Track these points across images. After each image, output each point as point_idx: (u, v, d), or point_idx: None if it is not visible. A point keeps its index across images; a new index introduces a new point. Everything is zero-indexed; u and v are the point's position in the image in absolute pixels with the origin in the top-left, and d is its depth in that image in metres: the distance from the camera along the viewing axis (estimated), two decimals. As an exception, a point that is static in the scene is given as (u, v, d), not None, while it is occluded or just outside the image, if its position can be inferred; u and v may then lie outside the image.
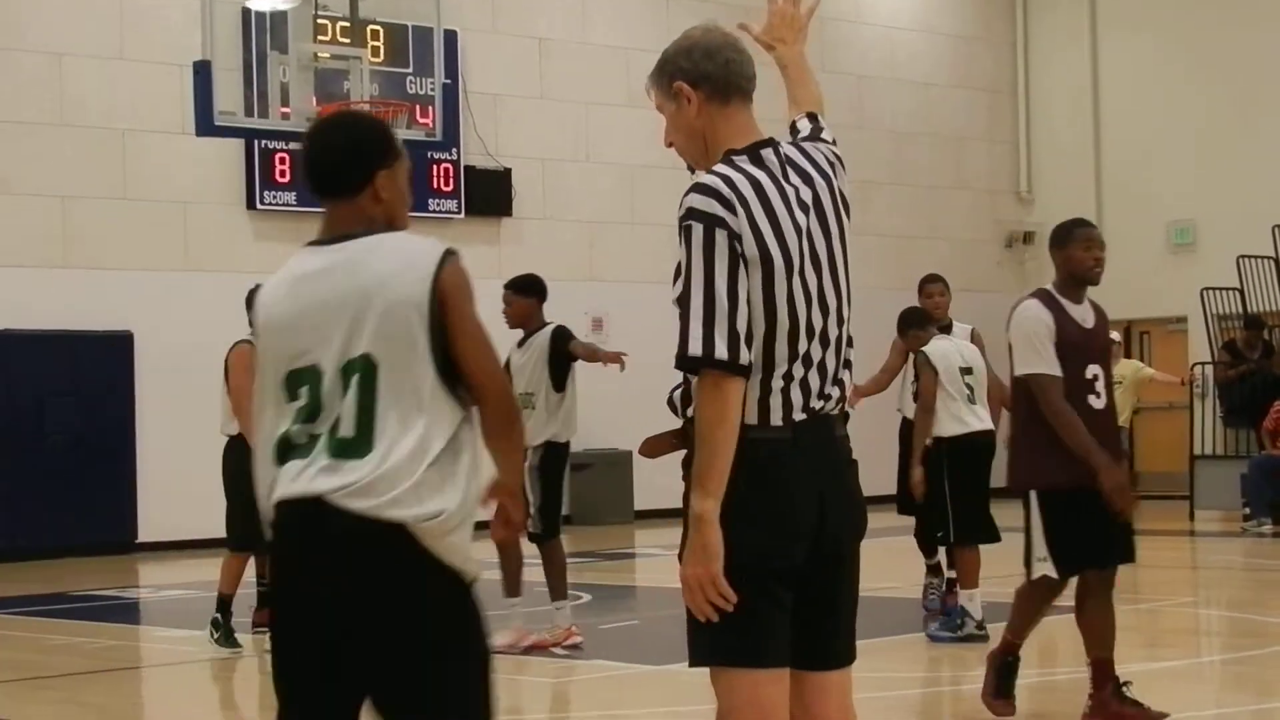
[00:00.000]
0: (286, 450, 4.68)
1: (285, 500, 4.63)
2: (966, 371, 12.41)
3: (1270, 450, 22.05)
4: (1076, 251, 9.01)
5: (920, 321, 12.94)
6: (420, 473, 4.53)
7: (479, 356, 4.69)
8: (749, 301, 4.76)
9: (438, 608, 4.58)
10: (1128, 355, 25.02)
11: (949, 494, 12.36)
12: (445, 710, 4.63)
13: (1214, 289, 25.29)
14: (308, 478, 4.58)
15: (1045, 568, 8.58)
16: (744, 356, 4.72)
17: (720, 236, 4.76)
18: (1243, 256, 24.94)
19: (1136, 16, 29.08)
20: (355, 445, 4.57)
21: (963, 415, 12.37)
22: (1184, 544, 21.33)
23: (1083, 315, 8.92)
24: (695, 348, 4.72)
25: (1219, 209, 27.07)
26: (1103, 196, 29.22)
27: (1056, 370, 8.58)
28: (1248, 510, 22.02)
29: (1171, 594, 15.72)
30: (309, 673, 4.66)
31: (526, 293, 12.41)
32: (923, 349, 12.55)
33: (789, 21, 5.53)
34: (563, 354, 12.25)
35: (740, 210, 4.79)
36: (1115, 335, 24.81)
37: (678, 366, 4.79)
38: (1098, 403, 8.66)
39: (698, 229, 4.77)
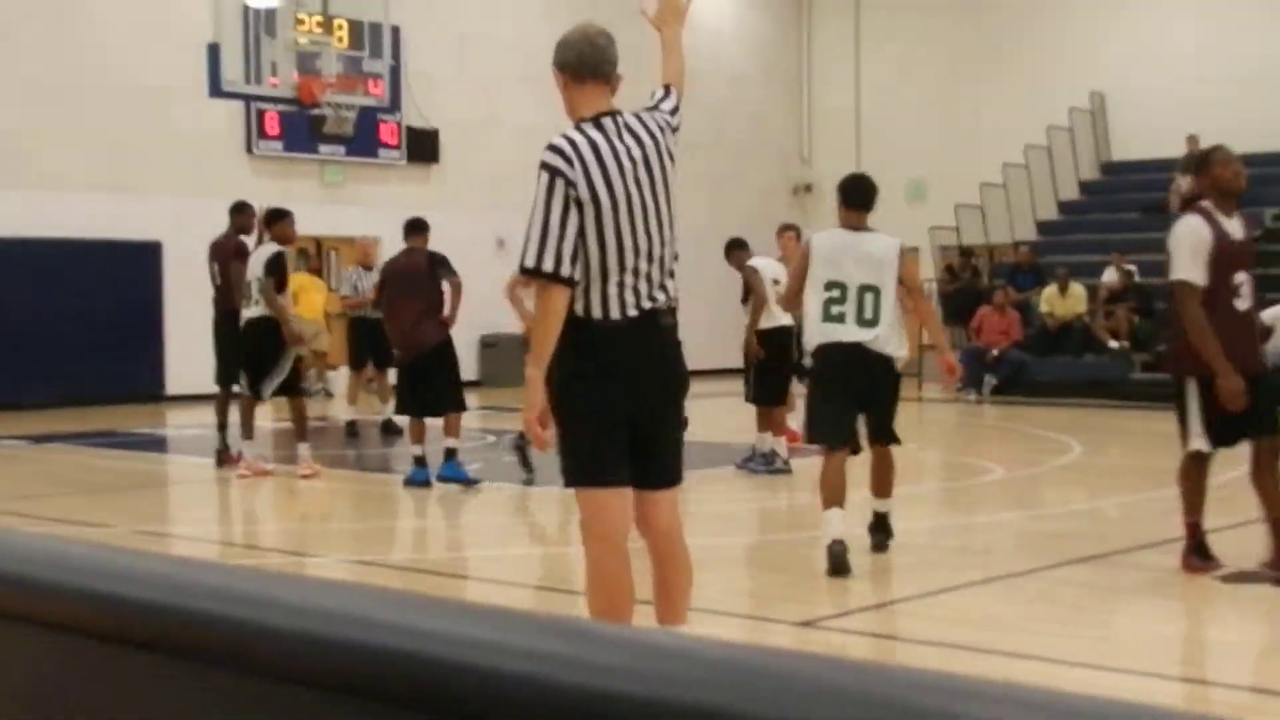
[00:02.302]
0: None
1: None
2: (776, 283, 12.33)
3: (975, 342, 22.32)
4: (1220, 170, 7.58)
5: (742, 244, 13.16)
6: None
7: None
8: (582, 232, 4.81)
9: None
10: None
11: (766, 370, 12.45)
12: None
13: (938, 227, 25.51)
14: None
15: (1199, 442, 7.56)
16: (565, 270, 4.80)
17: (558, 183, 4.83)
18: (959, 205, 25.16)
19: (888, 31, 29.16)
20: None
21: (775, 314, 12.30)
22: (914, 406, 21.59)
23: (1234, 227, 7.56)
24: (530, 261, 4.83)
25: (943, 169, 27.28)
26: (860, 160, 29.28)
27: (1200, 280, 7.36)
28: (959, 384, 22.28)
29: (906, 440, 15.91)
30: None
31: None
32: (750, 264, 12.73)
33: (672, 7, 5.49)
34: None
35: (577, 164, 4.85)
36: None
37: (519, 272, 4.93)
38: (1242, 305, 7.49)
39: (544, 176, 4.85)
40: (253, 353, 12.25)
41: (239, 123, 21.67)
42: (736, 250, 13.16)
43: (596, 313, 4.88)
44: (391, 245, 13.28)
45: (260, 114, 21.53)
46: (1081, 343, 21.70)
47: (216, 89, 16.90)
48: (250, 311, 12.25)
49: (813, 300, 8.05)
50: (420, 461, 11.65)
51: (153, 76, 20.71)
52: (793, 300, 8.59)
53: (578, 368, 4.89)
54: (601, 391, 4.88)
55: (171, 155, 21.02)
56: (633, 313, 4.91)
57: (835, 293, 8.03)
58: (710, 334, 21.08)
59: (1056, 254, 23.67)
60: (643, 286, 4.93)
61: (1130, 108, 26.13)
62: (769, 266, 12.85)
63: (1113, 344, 21.36)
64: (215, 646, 1.22)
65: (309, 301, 19.22)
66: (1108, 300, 21.85)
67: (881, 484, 8.61)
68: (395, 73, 20.85)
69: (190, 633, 1.24)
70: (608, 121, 4.99)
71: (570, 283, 4.82)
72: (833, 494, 7.93)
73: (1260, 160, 23.49)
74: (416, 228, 12.04)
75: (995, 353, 21.74)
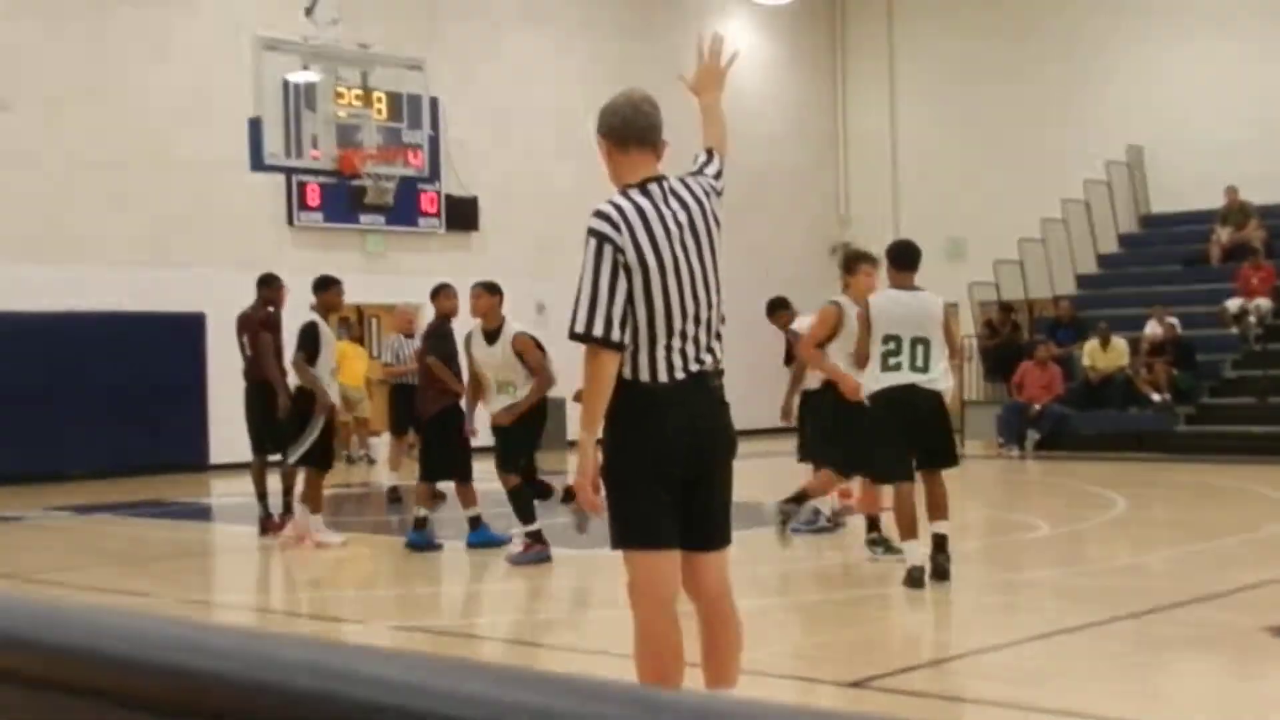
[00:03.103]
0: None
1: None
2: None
3: (1016, 398, 22.26)
4: None
5: (785, 304, 13.08)
6: None
7: None
8: (630, 297, 4.84)
9: None
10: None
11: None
12: None
13: (978, 283, 25.47)
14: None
15: None
16: (615, 335, 4.83)
17: (607, 248, 4.85)
18: (998, 261, 25.14)
19: (924, 89, 29.27)
20: None
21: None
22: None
23: None
24: (580, 327, 4.85)
25: (981, 226, 27.26)
26: (899, 218, 29.36)
27: None
28: (1001, 440, 22.25)
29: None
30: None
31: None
32: (793, 327, 12.42)
33: (711, 74, 5.55)
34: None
35: (624, 230, 4.87)
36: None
37: (569, 338, 4.91)
38: None
39: (591, 242, 4.87)
40: (291, 421, 12.39)
41: (280, 195, 21.89)
42: (780, 310, 13.11)
43: (645, 375, 4.91)
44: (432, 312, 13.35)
45: (301, 186, 21.76)
46: (1124, 396, 21.60)
47: (259, 162, 17.10)
48: (294, 379, 12.43)
49: (872, 353, 9.08)
50: (418, 524, 11.77)
51: (195, 150, 20.97)
52: (862, 357, 9.37)
53: (626, 431, 4.91)
54: (651, 454, 4.89)
55: (214, 228, 21.25)
56: (680, 375, 4.93)
57: (892, 345, 9.04)
58: (751, 395, 21.06)
59: (1096, 308, 23.60)
60: (690, 349, 4.95)
61: (1168, 160, 26.08)
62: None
63: (1155, 397, 21.25)
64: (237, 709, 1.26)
65: (351, 369, 19.37)
66: (1149, 353, 21.76)
67: (937, 508, 9.26)
68: (434, 143, 21.06)
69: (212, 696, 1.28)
70: (654, 187, 5.02)
71: (620, 347, 4.85)
72: (909, 525, 9.09)
73: (1300, 210, 23.45)
74: (432, 294, 12.29)
75: (1038, 408, 21.65)
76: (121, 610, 1.54)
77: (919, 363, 9.05)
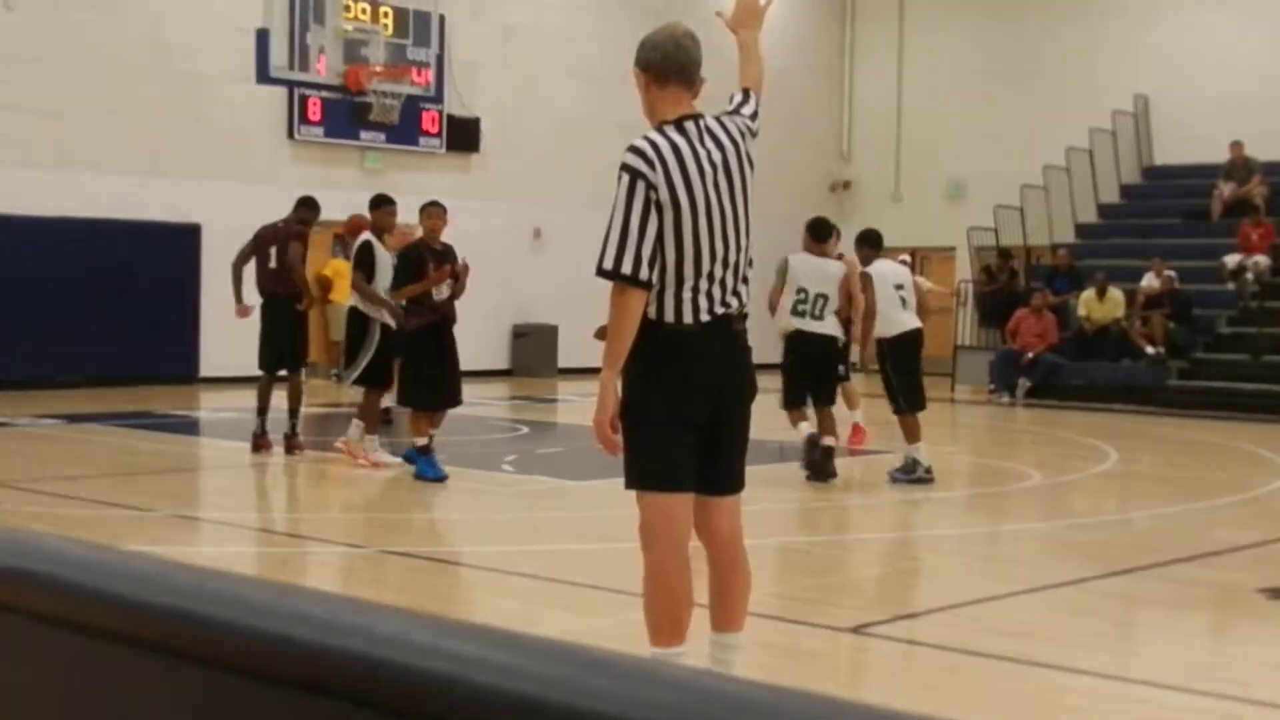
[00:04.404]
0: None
1: None
2: (899, 288, 12.12)
3: (1010, 345, 22.29)
4: None
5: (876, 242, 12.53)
6: None
7: None
8: (660, 236, 4.80)
9: None
10: (914, 272, 25.15)
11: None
12: None
13: (976, 228, 25.45)
14: None
15: None
16: (644, 274, 4.77)
17: (639, 185, 4.79)
18: (998, 206, 25.10)
19: (932, 28, 29.06)
20: None
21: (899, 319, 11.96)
22: (947, 408, 21.60)
23: None
24: (608, 264, 4.79)
25: (983, 170, 27.21)
26: (900, 158, 29.31)
27: None
28: (993, 386, 22.31)
29: (940, 443, 15.93)
30: None
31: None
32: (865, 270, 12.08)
33: (750, 10, 5.46)
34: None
35: (659, 167, 4.81)
36: (905, 257, 25.01)
37: (596, 274, 4.84)
38: None
39: (624, 178, 4.81)
40: (347, 342, 12.47)
41: (281, 108, 21.75)
42: (864, 247, 12.37)
43: (670, 317, 4.87)
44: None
45: (303, 99, 21.62)
46: (1118, 348, 21.65)
47: (264, 75, 16.94)
48: (349, 301, 12.49)
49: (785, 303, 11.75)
50: (422, 451, 11.64)
51: (197, 61, 20.79)
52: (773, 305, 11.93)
53: (648, 371, 4.87)
54: (672, 396, 4.87)
55: (213, 139, 21.11)
56: (705, 318, 4.89)
57: (801, 295, 11.65)
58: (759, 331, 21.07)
59: (1095, 258, 23.59)
60: (717, 292, 4.91)
61: (1174, 111, 26.00)
62: (890, 271, 12.17)
63: (1149, 350, 21.30)
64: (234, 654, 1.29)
65: (346, 288, 19.29)
66: (1145, 306, 21.79)
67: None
68: (439, 61, 20.88)
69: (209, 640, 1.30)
70: (690, 125, 4.96)
71: (648, 286, 4.80)
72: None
73: (1304, 169, 23.43)
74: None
75: (1031, 356, 21.69)
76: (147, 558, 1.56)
77: (817, 312, 11.72)
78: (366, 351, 12.14)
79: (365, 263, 12.12)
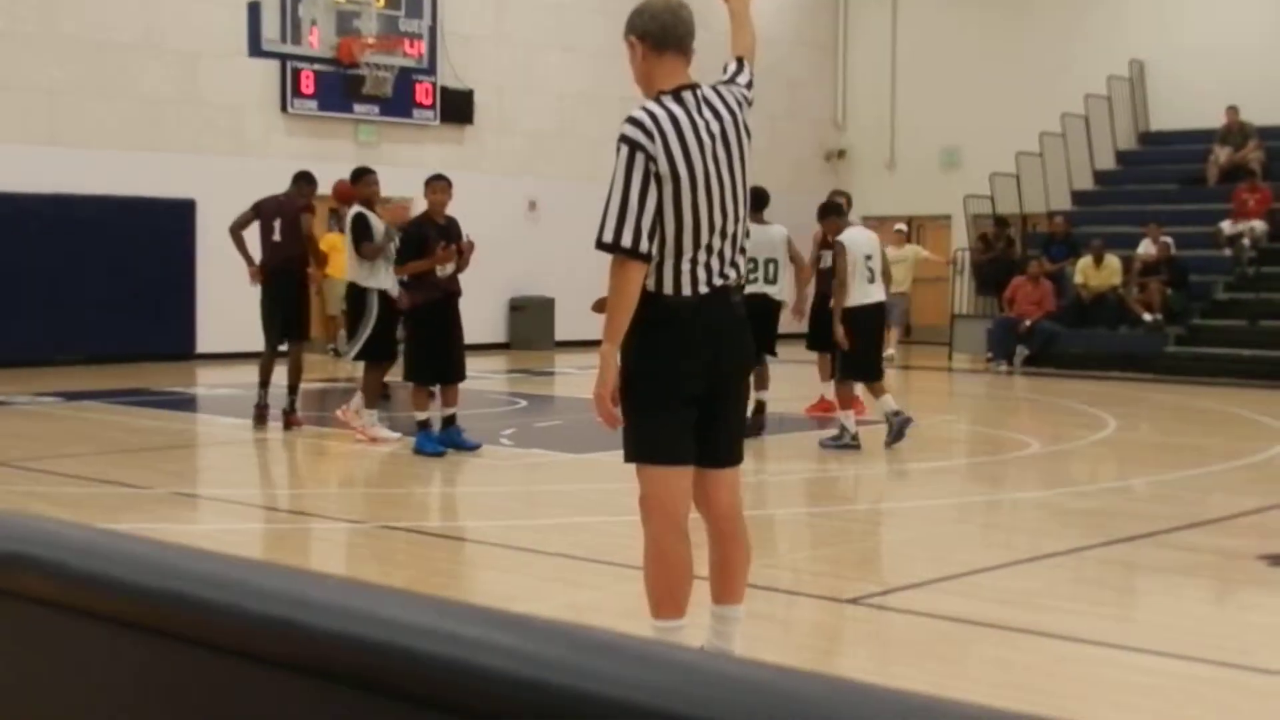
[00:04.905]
0: None
1: None
2: (868, 258, 12.05)
3: (1007, 313, 22.28)
4: None
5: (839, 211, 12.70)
6: None
7: None
8: (659, 208, 4.76)
9: None
10: (910, 241, 25.17)
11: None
12: None
13: (973, 196, 25.41)
14: None
15: None
16: (643, 246, 4.73)
17: (639, 157, 4.75)
18: (994, 174, 25.06)
19: (926, -4, 29.00)
20: None
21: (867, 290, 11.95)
22: (945, 377, 21.62)
23: None
24: (607, 236, 4.75)
25: (978, 138, 27.16)
26: (895, 127, 29.25)
27: None
28: (990, 354, 22.31)
29: (938, 412, 15.95)
30: None
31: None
32: (838, 240, 12.14)
33: None
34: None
35: (658, 138, 4.77)
36: (901, 226, 25.02)
37: (596, 247, 4.81)
38: None
39: (624, 149, 4.77)
40: (347, 317, 12.54)
41: (274, 81, 21.67)
42: (828, 218, 12.60)
43: (668, 289, 4.85)
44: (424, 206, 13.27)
45: (296, 73, 21.55)
46: (1115, 315, 21.63)
47: (256, 48, 16.91)
48: (347, 276, 12.51)
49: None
50: (421, 426, 11.65)
51: (189, 35, 20.72)
52: None
53: (647, 344, 4.84)
54: (671, 368, 4.85)
55: (206, 113, 21.06)
56: (704, 289, 4.87)
57: (751, 263, 11.71)
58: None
59: (1091, 225, 23.56)
60: (715, 263, 4.89)
61: (1169, 77, 25.94)
62: (860, 240, 12.07)
63: (1147, 317, 21.30)
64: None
65: (341, 262, 19.25)
66: (1142, 272, 21.77)
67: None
68: (432, 33, 20.82)
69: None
70: (687, 95, 4.92)
71: (648, 259, 4.77)
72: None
73: (1301, 134, 23.38)
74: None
75: (1028, 323, 21.67)
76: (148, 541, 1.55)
77: (770, 277, 12.54)
78: (366, 324, 12.13)
79: (365, 234, 12.12)
